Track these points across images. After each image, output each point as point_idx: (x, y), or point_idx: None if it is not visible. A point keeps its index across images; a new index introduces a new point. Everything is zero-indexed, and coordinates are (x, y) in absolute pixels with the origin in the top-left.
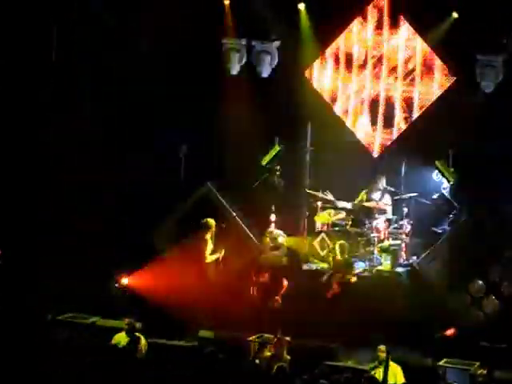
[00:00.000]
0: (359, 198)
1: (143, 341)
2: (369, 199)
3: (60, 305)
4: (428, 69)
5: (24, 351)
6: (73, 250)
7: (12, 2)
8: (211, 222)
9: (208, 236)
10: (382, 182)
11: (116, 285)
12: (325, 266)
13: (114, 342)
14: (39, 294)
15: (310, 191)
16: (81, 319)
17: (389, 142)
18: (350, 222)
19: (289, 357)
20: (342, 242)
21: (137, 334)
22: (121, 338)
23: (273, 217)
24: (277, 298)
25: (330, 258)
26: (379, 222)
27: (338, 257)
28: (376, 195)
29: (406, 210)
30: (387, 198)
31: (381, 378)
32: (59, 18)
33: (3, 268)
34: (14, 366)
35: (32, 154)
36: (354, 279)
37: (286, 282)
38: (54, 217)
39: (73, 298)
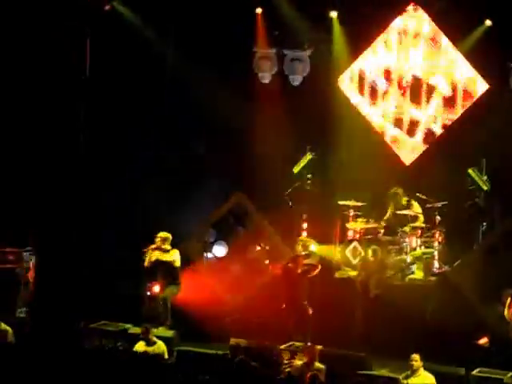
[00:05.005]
0: (389, 208)
1: (162, 346)
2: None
3: (92, 312)
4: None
5: (56, 359)
6: (104, 257)
7: (46, 16)
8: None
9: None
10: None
11: (148, 293)
12: (356, 274)
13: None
14: (72, 302)
15: (343, 202)
16: (113, 327)
17: (421, 151)
18: (383, 231)
19: (322, 366)
20: (375, 247)
21: (154, 339)
22: (139, 346)
23: (304, 225)
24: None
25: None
26: (411, 231)
27: (371, 259)
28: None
29: (438, 218)
30: (416, 207)
31: None
32: (93, 32)
33: (37, 275)
34: (46, 373)
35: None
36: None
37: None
38: (90, 224)
39: (105, 306)
